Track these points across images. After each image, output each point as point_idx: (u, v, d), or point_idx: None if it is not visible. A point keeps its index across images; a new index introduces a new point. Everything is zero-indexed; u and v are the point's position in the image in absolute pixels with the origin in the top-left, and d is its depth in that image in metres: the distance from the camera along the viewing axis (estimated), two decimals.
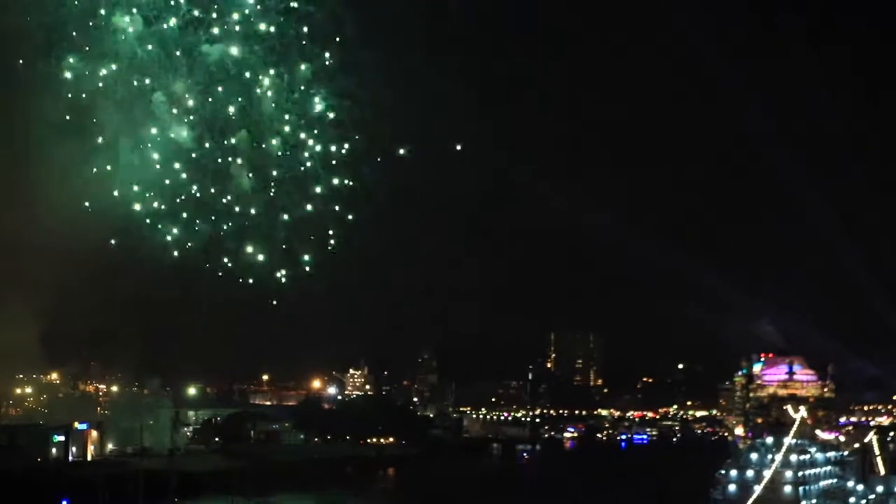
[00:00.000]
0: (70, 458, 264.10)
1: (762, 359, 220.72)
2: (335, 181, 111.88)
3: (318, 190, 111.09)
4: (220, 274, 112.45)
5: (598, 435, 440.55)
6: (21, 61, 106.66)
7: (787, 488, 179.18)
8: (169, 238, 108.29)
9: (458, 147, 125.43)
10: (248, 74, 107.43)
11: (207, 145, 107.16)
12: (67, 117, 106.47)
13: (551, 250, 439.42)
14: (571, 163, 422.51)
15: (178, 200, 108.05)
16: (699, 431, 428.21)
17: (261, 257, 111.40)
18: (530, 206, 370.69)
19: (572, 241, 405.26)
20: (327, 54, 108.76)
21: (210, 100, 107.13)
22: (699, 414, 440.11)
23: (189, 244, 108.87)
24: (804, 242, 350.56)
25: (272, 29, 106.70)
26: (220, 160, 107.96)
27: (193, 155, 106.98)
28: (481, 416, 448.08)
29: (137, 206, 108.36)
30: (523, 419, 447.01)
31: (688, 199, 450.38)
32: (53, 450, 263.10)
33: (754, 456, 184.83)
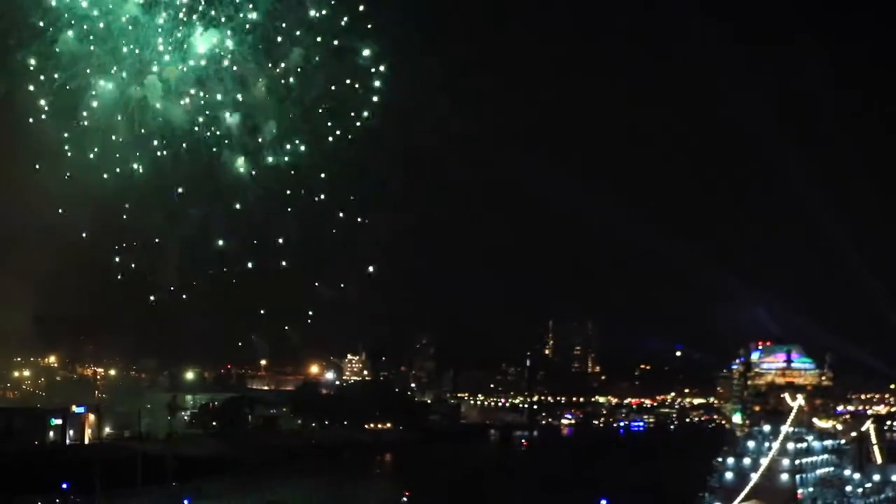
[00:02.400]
0: (67, 441, 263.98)
1: (760, 347, 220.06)
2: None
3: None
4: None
5: (595, 422, 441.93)
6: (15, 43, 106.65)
7: (784, 476, 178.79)
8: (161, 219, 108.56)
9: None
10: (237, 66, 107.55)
11: (199, 129, 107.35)
12: (61, 98, 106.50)
13: (550, 237, 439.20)
14: (570, 151, 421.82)
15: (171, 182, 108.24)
16: (696, 419, 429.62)
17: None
18: (530, 194, 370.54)
19: (571, 228, 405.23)
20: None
21: (203, 86, 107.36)
22: (696, 401, 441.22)
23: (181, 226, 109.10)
24: (802, 231, 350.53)
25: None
26: (213, 144, 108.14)
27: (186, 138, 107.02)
28: (479, 403, 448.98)
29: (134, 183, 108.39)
30: (521, 406, 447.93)
31: (686, 188, 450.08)
32: (51, 433, 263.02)
33: (751, 444, 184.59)
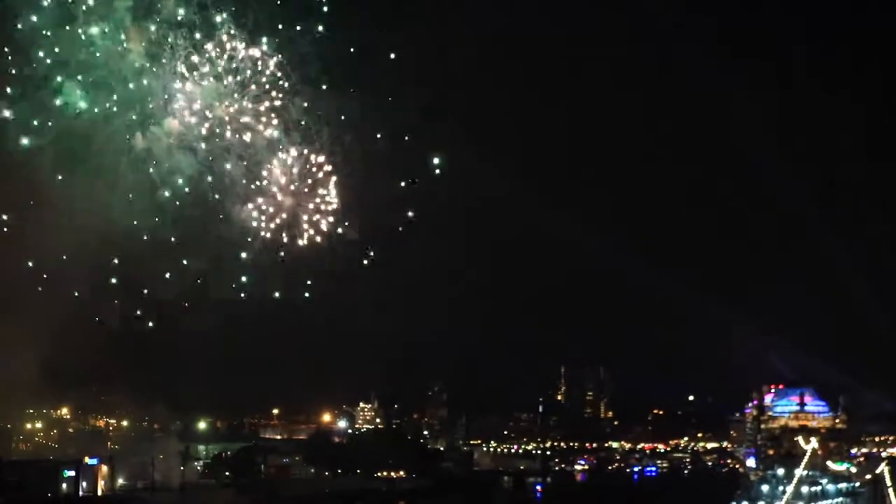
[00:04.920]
0: (80, 493, 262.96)
1: (773, 390, 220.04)
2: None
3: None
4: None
5: (609, 467, 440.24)
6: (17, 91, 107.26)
7: None
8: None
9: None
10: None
11: (202, 178, 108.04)
12: (66, 147, 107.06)
13: (562, 282, 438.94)
14: (581, 195, 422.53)
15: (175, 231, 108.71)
16: (710, 463, 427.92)
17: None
18: (541, 239, 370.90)
19: (583, 273, 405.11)
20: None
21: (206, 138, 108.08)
22: (710, 446, 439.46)
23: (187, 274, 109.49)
24: (815, 274, 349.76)
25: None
26: (216, 194, 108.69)
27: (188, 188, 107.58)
28: (492, 449, 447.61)
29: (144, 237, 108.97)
30: (534, 452, 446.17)
31: (698, 231, 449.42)
32: (63, 485, 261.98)
33: (765, 487, 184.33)
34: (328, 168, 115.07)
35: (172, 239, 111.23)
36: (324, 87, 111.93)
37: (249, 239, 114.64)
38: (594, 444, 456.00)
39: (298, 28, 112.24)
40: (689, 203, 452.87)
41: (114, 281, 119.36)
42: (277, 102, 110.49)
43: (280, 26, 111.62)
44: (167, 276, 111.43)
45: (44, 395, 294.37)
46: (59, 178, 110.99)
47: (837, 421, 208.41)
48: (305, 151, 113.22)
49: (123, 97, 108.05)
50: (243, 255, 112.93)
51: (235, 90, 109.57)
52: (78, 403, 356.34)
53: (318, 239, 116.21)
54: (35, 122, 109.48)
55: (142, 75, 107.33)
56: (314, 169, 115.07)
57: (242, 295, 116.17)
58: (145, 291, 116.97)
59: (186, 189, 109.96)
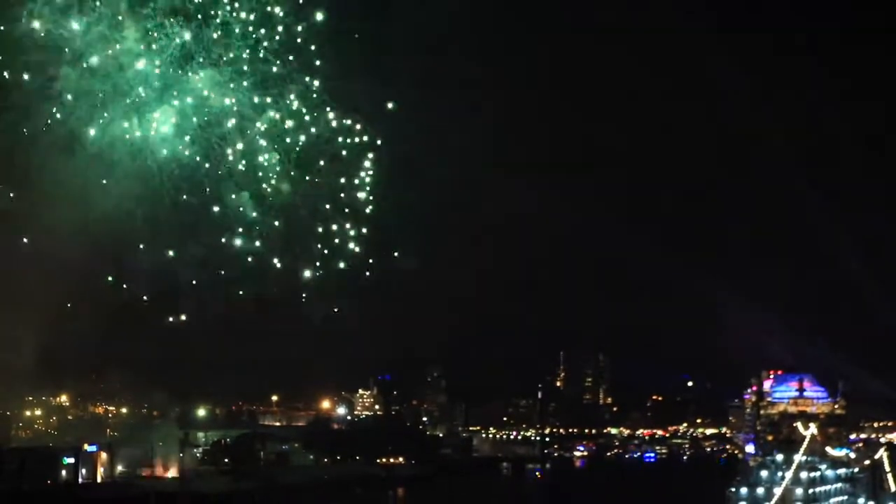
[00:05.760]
0: (80, 480, 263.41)
1: (772, 376, 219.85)
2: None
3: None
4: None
5: (608, 454, 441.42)
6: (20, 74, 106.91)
7: None
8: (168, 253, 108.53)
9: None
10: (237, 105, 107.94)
11: (200, 165, 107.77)
12: (61, 130, 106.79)
13: (561, 269, 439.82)
14: (583, 184, 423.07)
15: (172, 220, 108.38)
16: (709, 449, 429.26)
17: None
18: (541, 227, 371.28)
19: (583, 259, 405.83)
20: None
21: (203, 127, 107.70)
22: (709, 432, 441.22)
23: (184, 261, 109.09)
24: (815, 260, 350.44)
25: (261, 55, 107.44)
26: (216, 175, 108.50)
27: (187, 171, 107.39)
28: (491, 436, 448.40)
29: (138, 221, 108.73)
30: (533, 438, 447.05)
31: (698, 218, 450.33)
32: (63, 472, 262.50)
33: (764, 473, 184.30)
34: (328, 155, 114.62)
35: (168, 227, 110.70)
36: (322, 75, 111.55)
37: (242, 229, 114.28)
38: (593, 431, 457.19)
39: (298, 15, 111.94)
40: (691, 190, 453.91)
41: (111, 271, 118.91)
42: (276, 91, 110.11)
43: (279, 12, 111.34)
44: (164, 263, 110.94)
45: (43, 382, 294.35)
46: (55, 165, 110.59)
47: (836, 407, 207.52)
48: (304, 139, 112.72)
49: (118, 84, 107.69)
50: (240, 243, 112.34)
51: (234, 78, 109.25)
52: (77, 390, 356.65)
53: (317, 229, 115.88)
54: (29, 109, 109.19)
55: (137, 62, 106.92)
56: (313, 156, 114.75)
57: (241, 292, 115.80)
58: (142, 279, 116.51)
59: (183, 177, 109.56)
